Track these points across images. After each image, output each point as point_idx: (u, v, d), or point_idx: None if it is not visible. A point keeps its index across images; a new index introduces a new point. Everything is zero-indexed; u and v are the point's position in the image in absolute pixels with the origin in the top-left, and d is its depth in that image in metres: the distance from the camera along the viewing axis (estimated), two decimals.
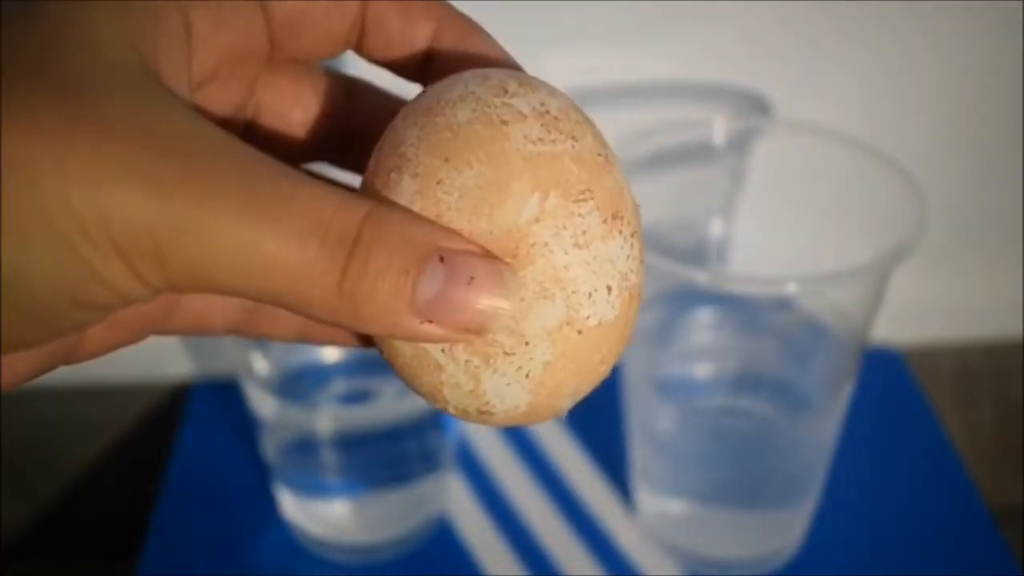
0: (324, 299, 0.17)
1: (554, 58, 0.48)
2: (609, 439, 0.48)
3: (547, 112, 0.19)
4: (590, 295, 0.18)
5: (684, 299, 0.45)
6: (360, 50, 0.23)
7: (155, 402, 0.56)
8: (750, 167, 0.46)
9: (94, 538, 0.59)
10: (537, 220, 0.18)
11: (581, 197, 0.18)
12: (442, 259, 0.17)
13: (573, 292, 0.18)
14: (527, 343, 0.18)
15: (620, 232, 0.19)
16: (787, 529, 0.44)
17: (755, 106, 0.49)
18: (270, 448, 0.44)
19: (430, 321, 0.17)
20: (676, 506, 0.45)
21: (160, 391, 0.56)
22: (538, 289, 0.18)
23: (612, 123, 0.46)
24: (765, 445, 0.43)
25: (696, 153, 0.45)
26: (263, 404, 0.43)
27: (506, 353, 0.18)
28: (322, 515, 0.46)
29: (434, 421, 0.44)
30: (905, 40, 0.48)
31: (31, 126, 0.16)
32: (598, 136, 0.20)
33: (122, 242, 0.16)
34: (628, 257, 0.19)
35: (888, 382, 0.53)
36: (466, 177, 0.18)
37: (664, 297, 0.44)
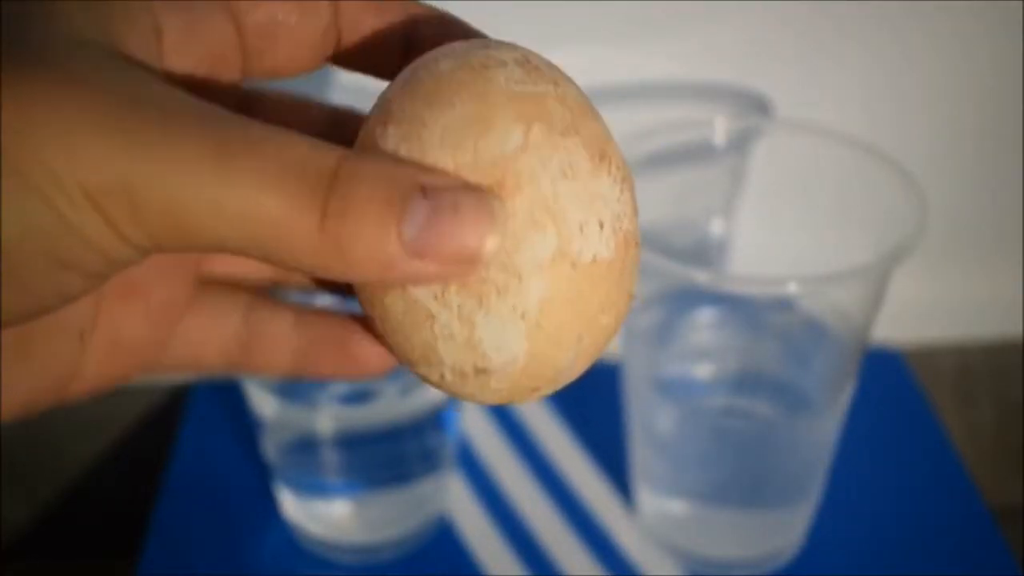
0: (306, 241, 0.17)
1: (554, 58, 0.47)
2: (609, 439, 0.48)
3: (528, 62, 0.19)
4: (581, 228, 0.18)
5: (684, 299, 0.45)
6: (338, 59, 0.22)
7: (155, 402, 0.56)
8: (750, 167, 0.46)
9: (94, 538, 0.59)
10: (523, 150, 0.18)
11: (566, 132, 0.18)
12: (424, 193, 0.17)
13: (564, 222, 0.18)
14: (520, 278, 0.18)
15: (609, 173, 0.19)
16: (787, 529, 0.44)
17: (755, 106, 0.49)
18: (270, 448, 0.44)
19: (420, 258, 0.17)
20: (676, 506, 0.45)
21: (160, 391, 0.56)
22: (527, 219, 0.18)
23: (612, 123, 0.46)
24: (765, 445, 0.43)
25: (696, 153, 0.45)
26: (263, 404, 0.43)
27: (499, 292, 0.18)
28: (323, 515, 0.46)
29: (435, 421, 0.44)
30: (906, 40, 0.48)
31: None
32: (581, 91, 0.20)
33: (95, 191, 0.16)
34: (619, 200, 0.19)
35: (888, 382, 0.53)
36: (448, 116, 0.18)
37: (664, 297, 0.44)
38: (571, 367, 0.19)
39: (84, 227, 0.16)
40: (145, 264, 0.18)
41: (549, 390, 0.20)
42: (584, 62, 0.48)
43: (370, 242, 0.17)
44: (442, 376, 0.19)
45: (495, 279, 0.18)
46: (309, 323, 0.23)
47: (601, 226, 0.18)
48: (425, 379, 0.20)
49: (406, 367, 0.20)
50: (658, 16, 0.47)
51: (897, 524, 0.47)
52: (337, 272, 0.17)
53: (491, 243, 0.17)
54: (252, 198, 0.16)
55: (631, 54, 0.48)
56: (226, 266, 0.24)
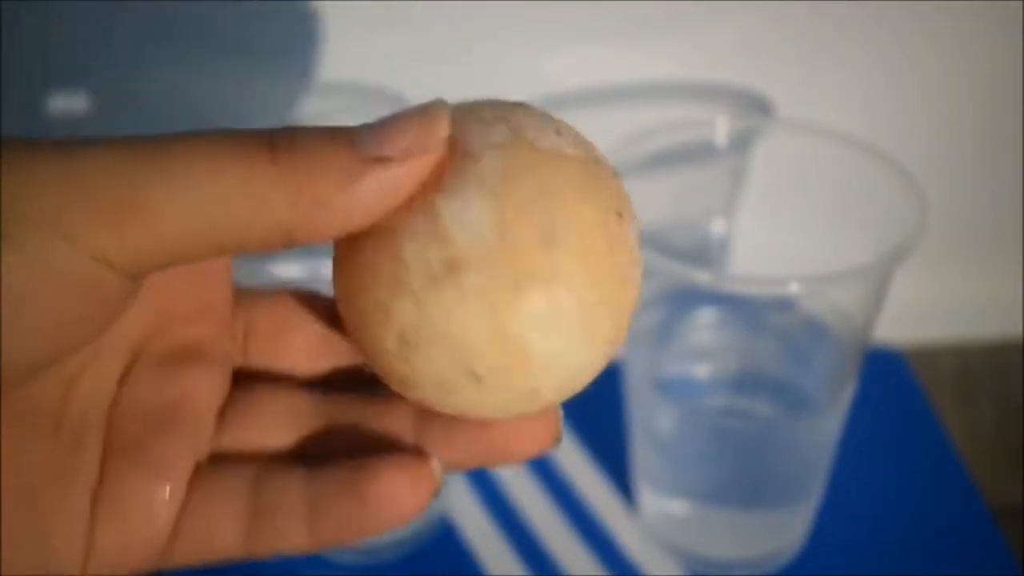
0: (265, 179, 0.17)
1: (554, 58, 0.48)
2: (610, 439, 0.48)
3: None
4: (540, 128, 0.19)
5: (685, 299, 0.45)
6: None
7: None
8: (751, 167, 0.46)
9: None
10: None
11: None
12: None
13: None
14: (478, 159, 0.18)
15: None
16: (788, 529, 0.44)
17: (756, 106, 0.49)
18: None
19: (380, 155, 0.17)
20: (677, 506, 0.45)
21: None
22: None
23: (612, 123, 0.46)
24: (766, 445, 0.43)
25: (697, 153, 0.45)
26: None
27: (460, 172, 0.18)
28: None
29: None
30: (906, 40, 0.48)
31: None
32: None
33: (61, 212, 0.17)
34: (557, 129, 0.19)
35: (889, 382, 0.53)
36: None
37: (665, 297, 0.44)
38: (547, 260, 0.18)
39: (62, 258, 0.16)
40: None
41: (550, 393, 0.19)
42: (585, 62, 0.48)
43: (326, 158, 0.17)
44: (426, 393, 0.19)
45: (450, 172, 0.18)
46: (319, 475, 0.21)
47: (559, 133, 0.19)
48: (413, 399, 0.19)
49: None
50: (659, 16, 0.47)
51: (897, 524, 0.47)
52: (306, 213, 0.17)
53: (445, 124, 0.18)
54: (203, 166, 0.17)
55: (632, 54, 0.48)
56: (234, 431, 0.22)
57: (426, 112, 0.18)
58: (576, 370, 0.19)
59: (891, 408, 0.52)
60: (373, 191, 0.17)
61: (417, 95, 0.48)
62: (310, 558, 0.45)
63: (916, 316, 0.54)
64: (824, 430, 0.42)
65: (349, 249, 0.19)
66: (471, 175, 0.18)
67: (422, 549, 0.46)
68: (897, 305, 0.43)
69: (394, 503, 0.20)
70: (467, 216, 0.18)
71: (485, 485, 0.48)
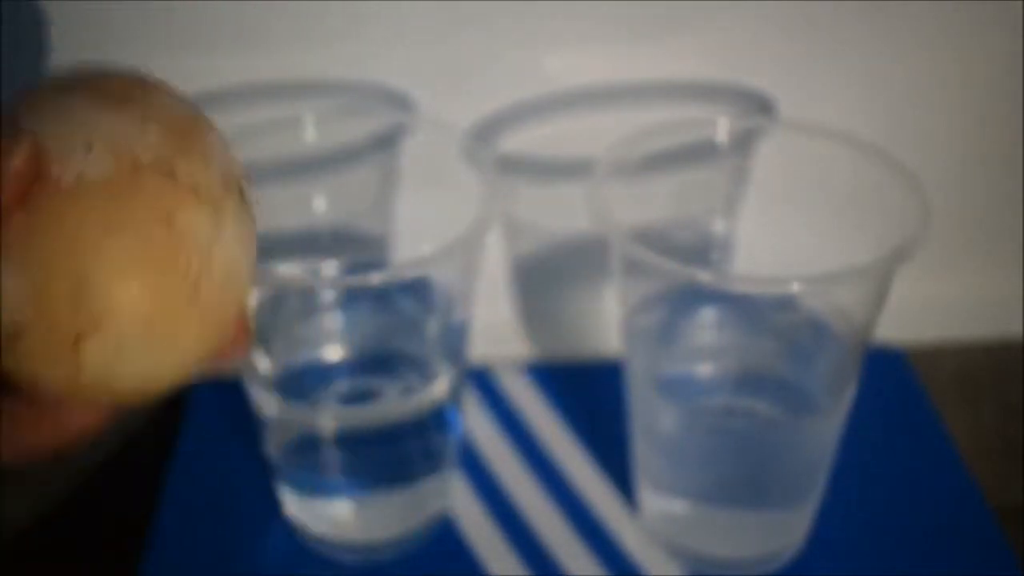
0: None
1: (555, 58, 0.48)
2: (611, 439, 0.48)
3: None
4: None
5: (686, 299, 0.45)
6: None
7: (156, 401, 0.56)
8: (753, 167, 0.46)
9: (95, 538, 0.59)
10: None
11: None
12: None
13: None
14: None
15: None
16: (789, 529, 0.44)
17: (758, 106, 0.49)
18: (272, 447, 0.44)
19: None
20: (679, 506, 0.45)
21: None
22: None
23: (614, 123, 0.46)
24: (767, 445, 0.43)
25: (698, 153, 0.45)
26: (266, 403, 0.43)
27: None
28: (325, 514, 0.46)
29: (436, 421, 0.44)
30: (907, 40, 0.48)
31: None
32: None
33: None
34: (127, 133, 0.19)
35: (890, 382, 0.53)
36: None
37: (666, 297, 0.44)
38: (100, 297, 0.19)
39: None
40: None
41: (101, 339, 0.20)
42: (586, 62, 0.48)
43: None
44: None
45: None
46: None
47: (89, 148, 0.19)
48: None
49: None
50: (660, 16, 0.47)
51: (899, 524, 0.47)
52: None
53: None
54: None
55: (633, 54, 0.48)
56: None
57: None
58: (165, 376, 0.21)
59: (893, 408, 0.52)
60: None
61: (418, 94, 0.48)
62: (312, 557, 0.45)
63: (918, 316, 0.54)
64: (825, 430, 0.42)
65: None
66: (6, 241, 0.18)
67: (423, 549, 0.46)
68: (899, 305, 0.43)
69: None
70: (8, 291, 0.18)
71: (486, 485, 0.48)
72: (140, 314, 0.19)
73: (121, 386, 0.21)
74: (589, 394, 0.53)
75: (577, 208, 0.40)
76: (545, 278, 0.54)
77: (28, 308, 0.18)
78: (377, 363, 0.47)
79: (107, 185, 0.19)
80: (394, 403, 0.45)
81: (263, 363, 0.43)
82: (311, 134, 0.45)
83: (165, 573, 0.45)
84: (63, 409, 0.24)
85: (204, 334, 0.20)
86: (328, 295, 0.46)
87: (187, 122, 0.20)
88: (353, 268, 0.48)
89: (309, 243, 0.47)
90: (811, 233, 0.43)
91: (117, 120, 0.19)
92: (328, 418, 0.44)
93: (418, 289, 0.45)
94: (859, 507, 0.47)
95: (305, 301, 0.46)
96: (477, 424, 0.51)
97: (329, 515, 0.46)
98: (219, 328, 0.20)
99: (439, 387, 0.44)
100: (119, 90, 0.19)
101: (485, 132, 0.49)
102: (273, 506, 0.47)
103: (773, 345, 0.45)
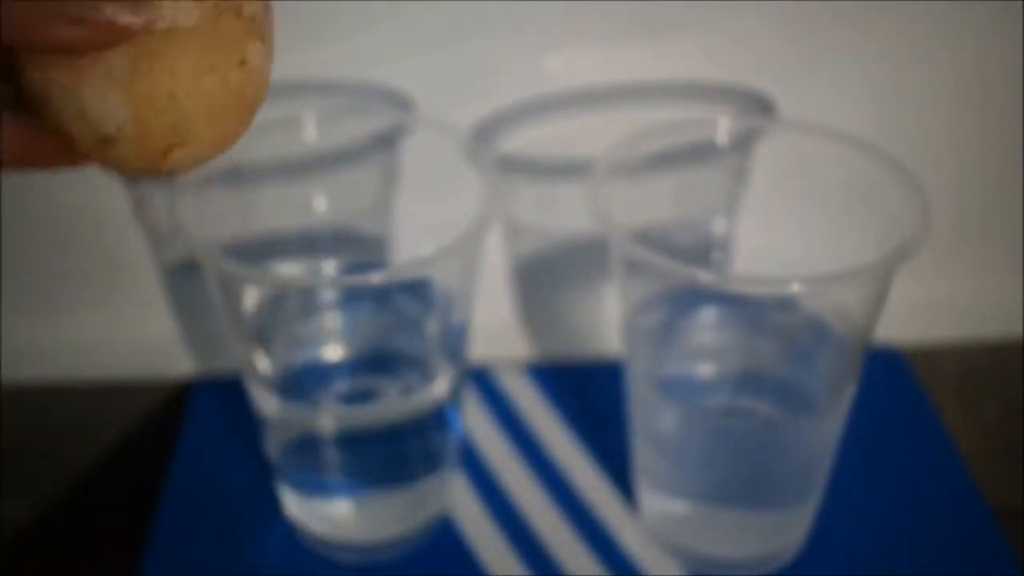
0: None
1: (555, 58, 0.48)
2: (612, 439, 0.48)
3: None
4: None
5: (686, 299, 0.45)
6: None
7: (157, 401, 0.56)
8: (753, 167, 0.46)
9: (95, 538, 0.59)
10: None
11: None
12: None
13: None
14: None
15: None
16: (790, 529, 0.44)
17: (758, 105, 0.49)
18: (272, 447, 0.44)
19: (75, 24, 0.21)
20: (679, 506, 0.45)
21: (162, 390, 0.56)
22: None
23: (614, 123, 0.46)
24: (768, 445, 0.43)
25: (698, 153, 0.45)
26: (265, 403, 0.43)
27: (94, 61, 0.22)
28: (325, 514, 0.46)
29: (436, 420, 0.44)
30: (908, 40, 0.48)
31: None
32: None
33: None
34: None
35: (890, 382, 0.53)
36: None
37: (666, 297, 0.44)
38: (188, 127, 0.23)
39: None
40: None
41: (186, 152, 0.23)
42: (586, 62, 0.48)
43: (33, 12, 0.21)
44: (86, 152, 0.23)
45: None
46: None
47: None
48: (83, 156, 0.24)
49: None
50: (660, 16, 0.47)
51: (899, 524, 0.47)
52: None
53: (135, 21, 0.22)
54: None
55: (633, 54, 0.48)
56: None
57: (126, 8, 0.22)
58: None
59: (893, 408, 0.52)
60: (57, 38, 0.21)
61: (419, 94, 0.48)
62: (312, 557, 0.45)
63: (918, 316, 0.54)
64: (825, 430, 0.42)
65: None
66: (114, 75, 0.22)
67: (423, 548, 0.46)
68: (899, 305, 0.43)
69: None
70: (110, 114, 0.22)
71: (486, 485, 0.48)
72: (218, 141, 0.23)
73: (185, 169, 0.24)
74: (589, 394, 0.53)
75: (577, 208, 0.40)
76: (545, 278, 0.54)
77: (127, 127, 0.22)
78: (377, 363, 0.47)
79: (195, 32, 0.22)
80: (394, 403, 0.45)
81: (263, 363, 0.43)
82: (311, 134, 0.45)
83: (165, 573, 0.45)
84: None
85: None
86: (328, 295, 0.46)
87: None
88: (353, 268, 0.48)
89: (309, 243, 0.47)
90: (811, 233, 0.43)
91: None
92: (328, 418, 0.44)
93: (418, 289, 0.45)
94: (859, 507, 0.47)
95: (305, 301, 0.46)
96: (477, 424, 0.51)
97: (329, 515, 0.46)
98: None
99: (439, 387, 0.44)
100: None
101: (485, 132, 0.49)
102: (273, 506, 0.47)
103: (773, 345, 0.46)
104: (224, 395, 0.52)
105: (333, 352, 0.46)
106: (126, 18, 0.21)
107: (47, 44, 0.22)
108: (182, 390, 0.55)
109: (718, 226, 0.47)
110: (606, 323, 0.54)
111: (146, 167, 0.23)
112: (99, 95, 0.22)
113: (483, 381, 0.53)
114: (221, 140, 0.23)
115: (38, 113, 0.23)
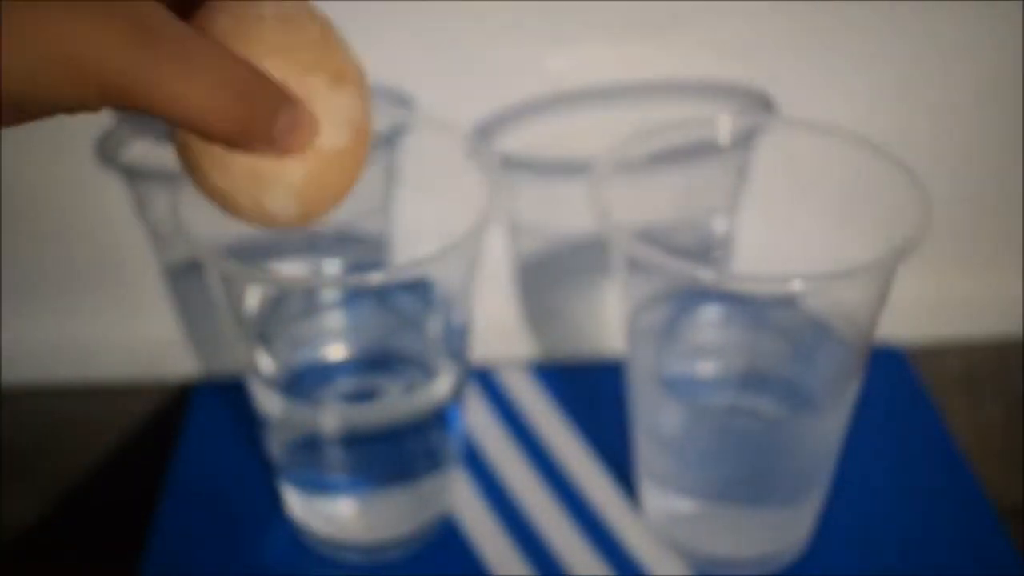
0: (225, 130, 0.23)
1: (556, 58, 0.48)
2: (615, 438, 0.48)
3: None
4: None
5: (689, 298, 0.45)
6: None
7: (159, 401, 0.56)
8: (754, 165, 0.46)
9: (96, 538, 0.59)
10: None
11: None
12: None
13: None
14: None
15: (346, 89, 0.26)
16: (793, 528, 0.44)
17: (759, 104, 0.49)
18: (275, 446, 0.44)
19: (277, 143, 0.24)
20: (682, 505, 0.45)
21: (164, 390, 0.56)
22: None
23: (615, 122, 0.46)
24: (770, 444, 0.43)
25: (700, 151, 0.45)
26: (268, 402, 0.43)
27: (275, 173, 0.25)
28: (328, 513, 0.46)
29: (439, 420, 0.44)
30: (909, 38, 0.48)
31: None
32: (326, 28, 0.28)
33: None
34: (352, 107, 0.26)
35: (894, 381, 0.53)
36: None
37: (669, 296, 0.44)
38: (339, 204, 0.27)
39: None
40: None
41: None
42: (588, 60, 0.48)
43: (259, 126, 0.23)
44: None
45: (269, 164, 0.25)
46: None
47: (339, 127, 0.26)
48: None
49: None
50: (662, 14, 0.47)
51: (903, 523, 0.47)
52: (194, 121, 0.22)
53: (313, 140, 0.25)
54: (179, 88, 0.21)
55: (635, 52, 0.48)
56: None
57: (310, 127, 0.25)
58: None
59: (896, 407, 0.52)
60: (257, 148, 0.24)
61: (420, 94, 0.48)
62: (315, 557, 0.45)
63: (921, 314, 0.54)
64: (828, 429, 0.42)
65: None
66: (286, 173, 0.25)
67: (426, 547, 0.46)
68: (902, 303, 0.43)
69: None
70: (281, 204, 0.26)
71: (489, 484, 0.48)
72: None
73: None
74: (592, 393, 0.53)
75: (579, 207, 0.40)
76: (547, 277, 0.54)
77: (293, 214, 0.26)
78: (379, 362, 0.47)
79: (346, 151, 0.26)
80: (396, 402, 0.45)
81: (265, 363, 0.43)
82: None
83: (165, 573, 0.45)
84: None
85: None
86: (330, 294, 0.46)
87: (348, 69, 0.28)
88: (354, 267, 0.48)
89: (311, 243, 0.47)
90: (813, 231, 0.43)
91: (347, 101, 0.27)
92: (330, 417, 0.44)
93: (419, 288, 0.45)
94: (862, 506, 0.47)
95: (307, 301, 0.46)
96: (479, 423, 0.51)
97: (332, 514, 0.46)
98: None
99: (441, 386, 0.44)
100: (333, 68, 0.27)
101: (487, 131, 0.49)
102: (275, 506, 0.47)
103: (775, 344, 0.45)
104: (226, 395, 0.52)
105: (335, 352, 0.46)
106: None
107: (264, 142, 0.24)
108: (184, 390, 0.55)
109: (719, 224, 0.47)
110: (608, 322, 0.54)
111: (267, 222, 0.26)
112: (277, 199, 0.25)
113: (485, 380, 0.53)
114: None
115: (199, 182, 0.25)
